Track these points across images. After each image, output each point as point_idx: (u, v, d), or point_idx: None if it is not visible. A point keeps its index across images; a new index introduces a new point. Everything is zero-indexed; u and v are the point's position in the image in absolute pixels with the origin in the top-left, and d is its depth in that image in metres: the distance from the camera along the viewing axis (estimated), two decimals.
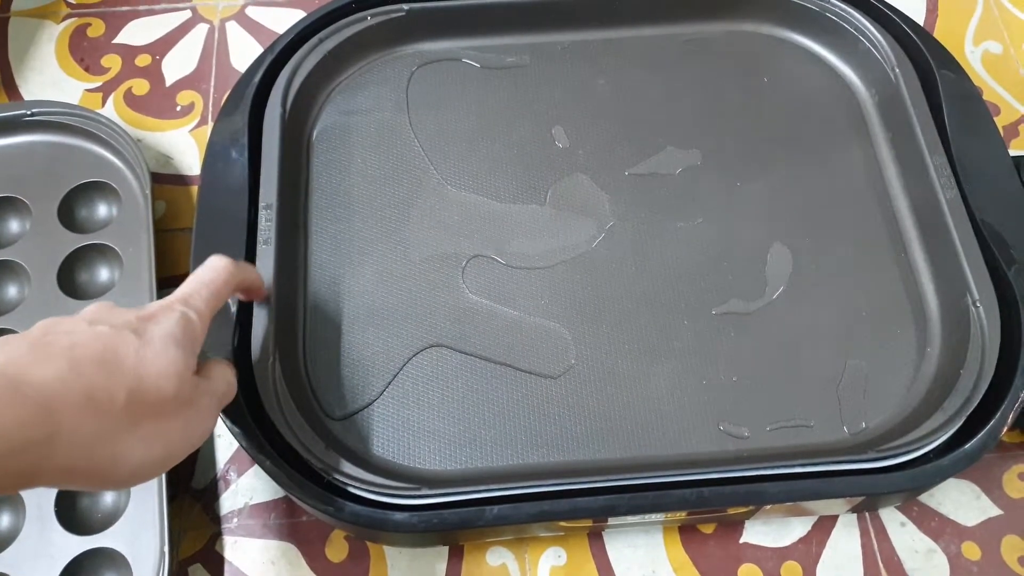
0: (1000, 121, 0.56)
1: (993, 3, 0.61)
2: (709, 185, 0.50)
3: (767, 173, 0.50)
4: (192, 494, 0.45)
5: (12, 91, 0.57)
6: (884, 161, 0.50)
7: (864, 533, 0.45)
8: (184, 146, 0.55)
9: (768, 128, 0.51)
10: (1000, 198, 0.46)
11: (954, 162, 0.47)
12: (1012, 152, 0.48)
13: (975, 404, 0.41)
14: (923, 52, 0.50)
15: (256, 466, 0.45)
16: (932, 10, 0.61)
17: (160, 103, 0.57)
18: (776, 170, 0.50)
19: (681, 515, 0.41)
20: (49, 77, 0.58)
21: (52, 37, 0.59)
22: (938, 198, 0.46)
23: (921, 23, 0.57)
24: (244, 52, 0.59)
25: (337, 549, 0.44)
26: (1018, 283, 0.43)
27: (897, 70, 0.50)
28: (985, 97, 0.57)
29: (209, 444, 0.47)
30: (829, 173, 0.50)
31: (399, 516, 0.38)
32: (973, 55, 0.59)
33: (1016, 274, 0.43)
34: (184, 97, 0.57)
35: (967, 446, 0.40)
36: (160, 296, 0.45)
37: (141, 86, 0.57)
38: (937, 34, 0.58)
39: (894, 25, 0.51)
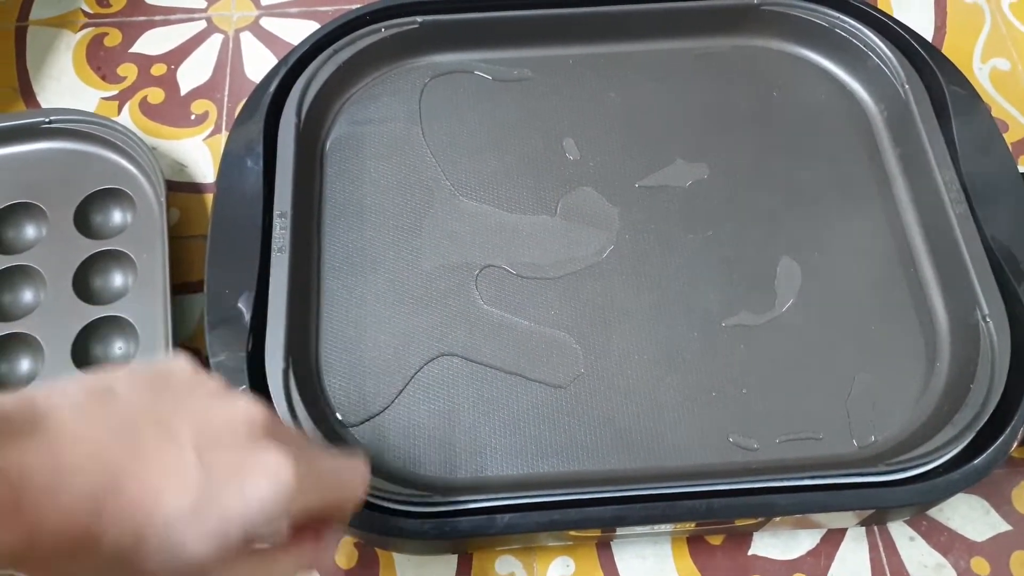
0: (1009, 137, 0.57)
1: (1001, 20, 0.62)
2: (719, 198, 0.50)
3: (777, 187, 0.50)
4: None
5: (30, 99, 0.58)
6: (893, 176, 0.51)
7: (873, 547, 0.45)
8: (198, 154, 0.56)
9: (777, 142, 0.52)
10: (1009, 214, 0.46)
11: (963, 178, 0.47)
12: (1021, 168, 0.48)
13: (985, 419, 0.41)
14: (932, 68, 0.50)
15: None
16: (940, 27, 0.61)
17: (175, 112, 0.57)
18: (785, 184, 0.50)
19: (690, 526, 0.41)
20: (66, 85, 0.58)
21: (70, 46, 0.60)
22: (947, 213, 0.46)
23: (930, 40, 0.58)
24: (258, 62, 0.59)
25: (347, 556, 0.44)
26: None
27: (907, 86, 0.50)
28: (993, 114, 0.57)
29: None
30: (838, 188, 0.50)
31: (410, 523, 0.38)
32: (981, 72, 0.59)
33: None
34: (199, 106, 0.58)
35: (977, 461, 0.40)
36: (173, 302, 0.46)
37: (156, 95, 0.58)
38: (945, 51, 0.59)
39: (903, 42, 0.52)
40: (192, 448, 0.26)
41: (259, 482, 0.27)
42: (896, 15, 0.59)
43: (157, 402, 0.27)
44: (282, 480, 0.27)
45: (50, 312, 0.47)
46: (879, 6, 0.60)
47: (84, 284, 0.49)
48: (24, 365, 0.47)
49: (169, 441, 0.26)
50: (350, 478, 0.32)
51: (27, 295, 0.49)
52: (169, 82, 0.58)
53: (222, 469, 0.27)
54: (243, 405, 0.29)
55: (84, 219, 0.51)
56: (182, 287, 0.50)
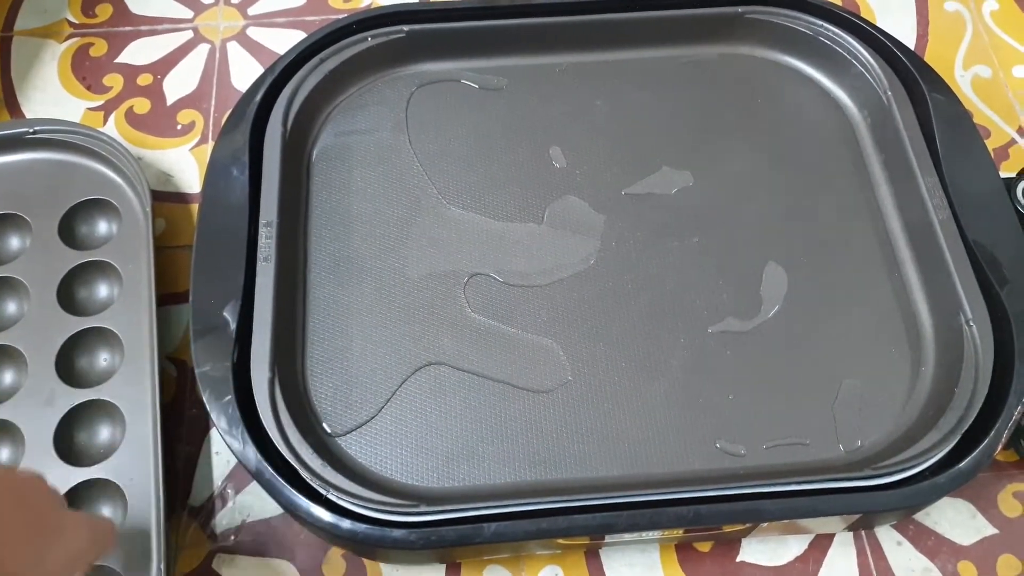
0: (990, 144, 0.57)
1: (982, 28, 0.62)
2: (704, 205, 0.50)
3: (762, 193, 0.51)
4: (189, 511, 0.45)
5: (14, 109, 0.57)
6: (877, 182, 0.51)
7: (861, 552, 0.45)
8: (184, 164, 0.56)
9: (762, 149, 0.52)
10: (991, 219, 0.46)
11: (946, 183, 0.47)
12: (1002, 174, 0.48)
13: (969, 422, 0.41)
14: (914, 76, 0.51)
15: (254, 483, 0.45)
16: (923, 35, 0.62)
17: (161, 122, 0.57)
18: (771, 190, 0.51)
19: (678, 533, 0.41)
20: (51, 96, 0.58)
21: (55, 56, 0.60)
22: (930, 218, 0.46)
23: (912, 48, 0.58)
24: (245, 72, 0.59)
25: (334, 566, 0.44)
26: (1010, 302, 0.43)
27: (889, 93, 0.50)
28: (975, 120, 0.57)
29: (207, 461, 0.47)
30: (823, 194, 0.51)
31: (397, 533, 0.38)
32: (963, 79, 0.60)
33: (1008, 293, 0.44)
34: (185, 116, 0.57)
35: (962, 464, 0.40)
36: (159, 313, 0.46)
37: (142, 105, 0.58)
38: (928, 58, 0.59)
39: (886, 49, 0.52)
40: (21, 509, 0.31)
41: (79, 536, 0.34)
42: (879, 23, 0.59)
43: None
44: (88, 536, 0.35)
45: (34, 324, 0.47)
46: (862, 14, 0.60)
47: (69, 295, 0.48)
48: (7, 378, 0.47)
49: None
50: (111, 533, 0.38)
51: (11, 307, 0.49)
52: (155, 92, 0.58)
53: (47, 526, 0.32)
54: (30, 473, 0.34)
55: (69, 230, 0.50)
56: (168, 297, 0.50)
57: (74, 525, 0.35)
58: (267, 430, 0.40)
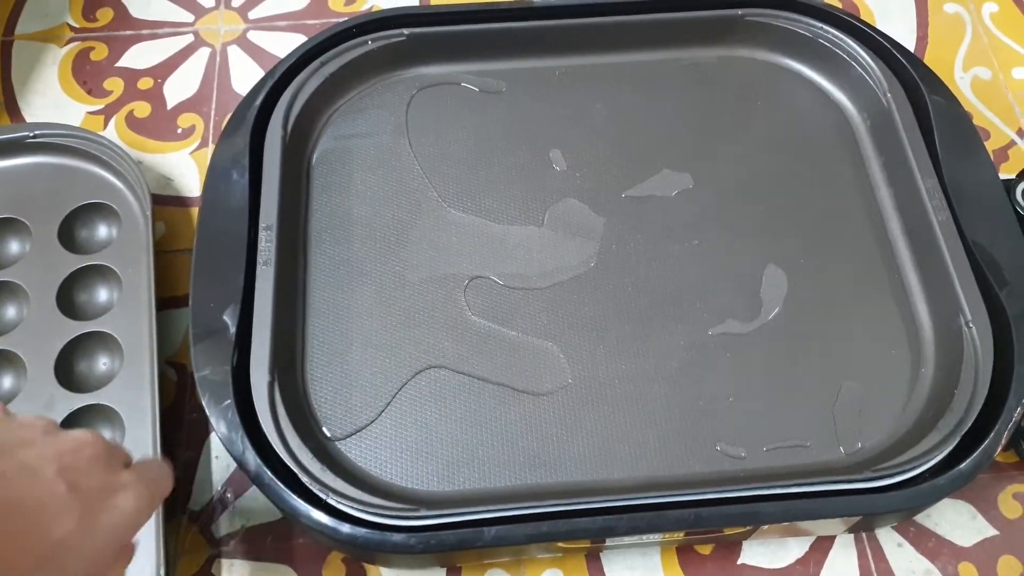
0: (990, 145, 0.57)
1: (982, 30, 0.62)
2: (704, 207, 0.50)
3: (762, 195, 0.51)
4: (189, 516, 0.45)
5: (15, 113, 0.57)
6: (877, 184, 0.51)
7: (862, 554, 0.45)
8: (184, 168, 0.56)
9: (762, 151, 0.52)
10: (991, 220, 0.46)
11: (945, 185, 0.47)
12: (1002, 175, 0.48)
13: (969, 424, 0.41)
14: (914, 78, 0.51)
15: (254, 488, 0.45)
16: (922, 37, 0.62)
17: (161, 126, 0.57)
18: (771, 192, 0.51)
19: (679, 535, 0.41)
20: (52, 99, 0.58)
21: (56, 60, 0.60)
22: (930, 220, 0.46)
23: (912, 50, 0.58)
24: (245, 76, 0.59)
25: (334, 571, 0.44)
26: (1010, 304, 0.43)
27: (889, 95, 0.51)
28: (975, 122, 0.58)
29: (206, 466, 0.47)
30: (823, 196, 0.51)
31: (397, 537, 0.38)
32: (963, 81, 0.60)
33: (1008, 295, 0.44)
34: (185, 120, 0.58)
35: (962, 465, 0.40)
36: (159, 317, 0.46)
37: (143, 109, 0.58)
38: (927, 60, 0.59)
39: (885, 51, 0.52)
40: (60, 479, 0.30)
41: (128, 498, 0.32)
42: (879, 25, 0.59)
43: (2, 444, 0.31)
44: (143, 494, 0.33)
45: (33, 328, 0.47)
46: (861, 17, 0.60)
47: (68, 299, 0.48)
48: (6, 382, 0.47)
49: (35, 477, 0.30)
50: (167, 476, 0.36)
51: (10, 311, 0.49)
52: (155, 96, 0.58)
53: (92, 493, 0.31)
54: (80, 435, 0.33)
55: (69, 234, 0.50)
56: (168, 301, 0.50)
57: (127, 486, 0.33)
58: (267, 434, 0.40)
